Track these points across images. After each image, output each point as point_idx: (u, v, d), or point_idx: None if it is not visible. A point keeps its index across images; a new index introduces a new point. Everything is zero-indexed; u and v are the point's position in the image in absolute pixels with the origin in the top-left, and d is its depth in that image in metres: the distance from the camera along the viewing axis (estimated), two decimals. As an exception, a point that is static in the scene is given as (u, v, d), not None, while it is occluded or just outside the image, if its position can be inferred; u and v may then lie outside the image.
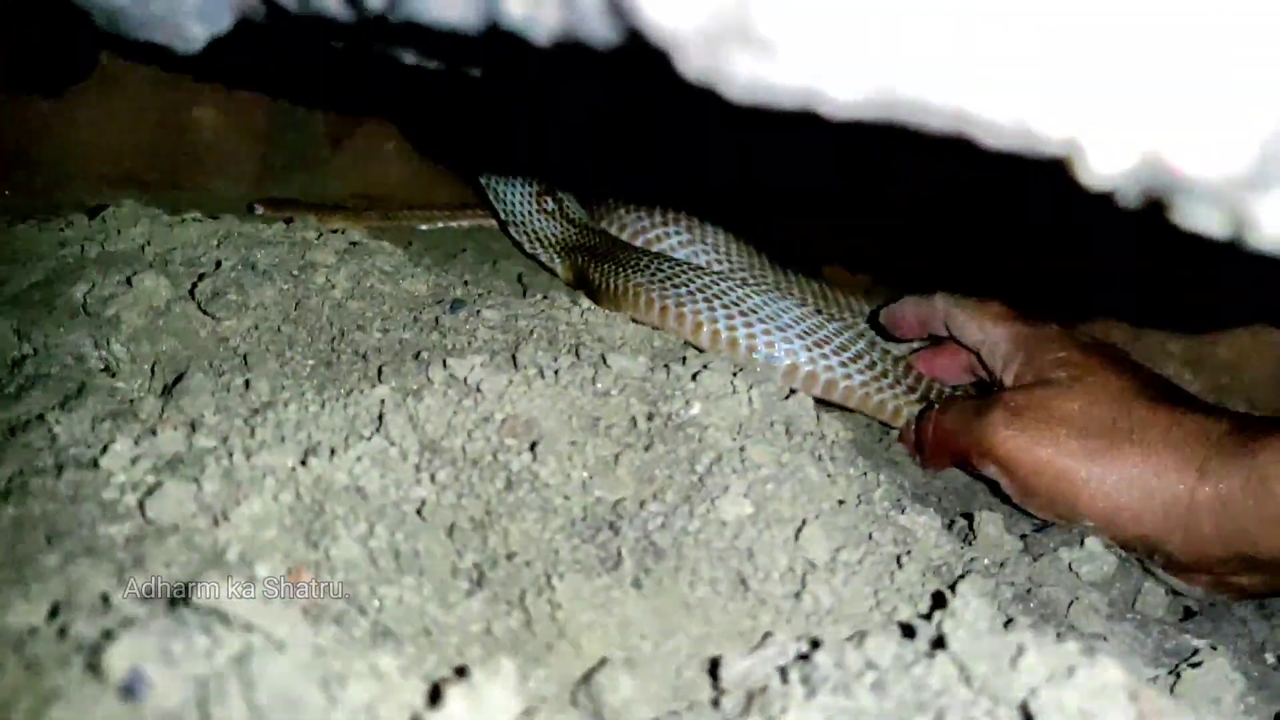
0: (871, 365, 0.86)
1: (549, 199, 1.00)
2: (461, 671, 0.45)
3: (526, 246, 1.02)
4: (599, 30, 0.38)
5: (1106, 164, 0.33)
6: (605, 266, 0.89)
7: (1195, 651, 0.66)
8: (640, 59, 0.37)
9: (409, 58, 0.61)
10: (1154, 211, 0.37)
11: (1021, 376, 0.81)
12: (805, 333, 0.83)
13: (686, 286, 0.84)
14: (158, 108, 1.04)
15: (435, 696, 0.41)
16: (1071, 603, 0.67)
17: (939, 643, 0.48)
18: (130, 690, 0.38)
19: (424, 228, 1.08)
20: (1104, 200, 0.36)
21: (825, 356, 0.83)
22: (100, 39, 0.82)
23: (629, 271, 0.86)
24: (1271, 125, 0.31)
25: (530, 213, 0.99)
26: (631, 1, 0.34)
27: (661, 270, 0.86)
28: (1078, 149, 0.34)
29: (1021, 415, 0.77)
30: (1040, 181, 0.41)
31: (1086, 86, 0.32)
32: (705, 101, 0.38)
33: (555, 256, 0.99)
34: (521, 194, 1.00)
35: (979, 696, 0.44)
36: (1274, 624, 0.76)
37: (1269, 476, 0.68)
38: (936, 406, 0.85)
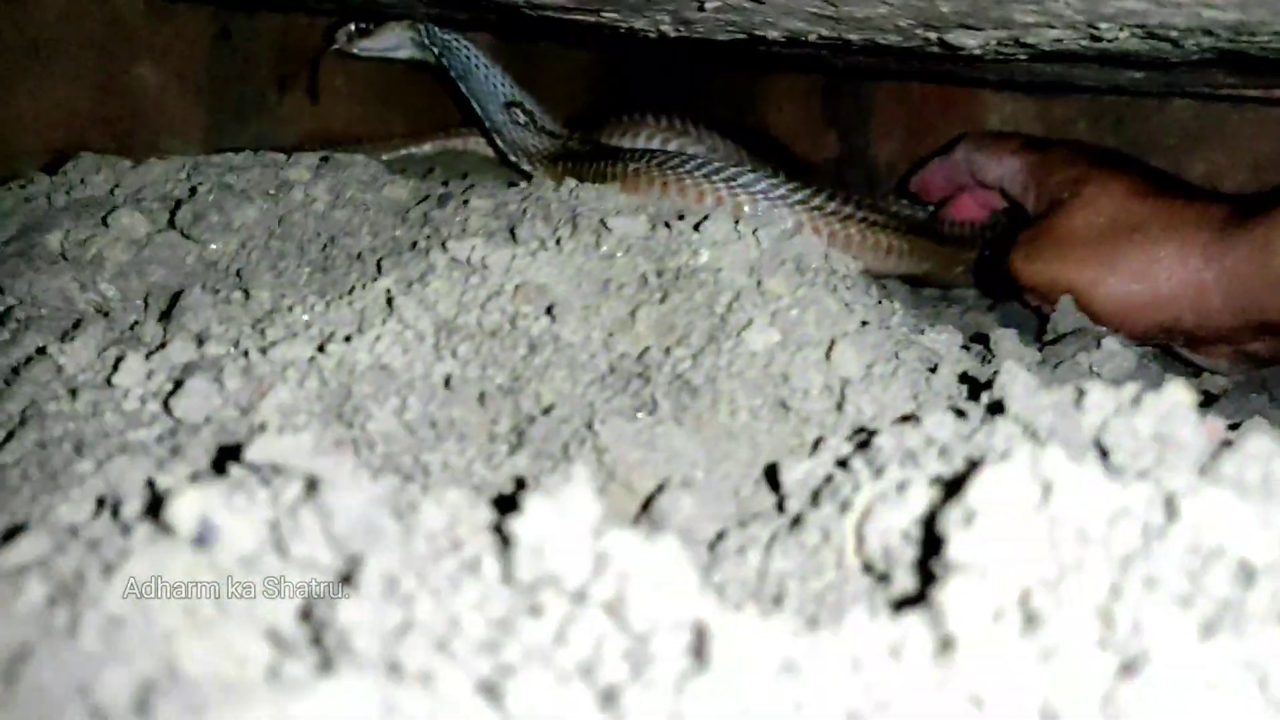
0: (869, 212, 0.88)
1: (518, 111, 0.98)
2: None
3: (511, 158, 1.00)
4: None
5: None
6: (597, 164, 0.89)
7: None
8: None
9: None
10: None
11: (1039, 203, 0.87)
12: (804, 200, 0.86)
13: (685, 164, 0.86)
14: (96, 70, 1.01)
15: (509, 512, 0.40)
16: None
17: (995, 409, 0.48)
18: (201, 540, 0.37)
19: (385, 156, 1.05)
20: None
21: (825, 216, 0.85)
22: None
23: (624, 162, 0.87)
24: None
25: (505, 123, 0.98)
26: None
27: (656, 156, 0.87)
28: None
29: (1032, 243, 0.83)
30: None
31: None
32: None
33: (538, 166, 0.98)
34: (494, 105, 0.98)
35: (1048, 444, 0.44)
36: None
37: (1269, 246, 0.70)
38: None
